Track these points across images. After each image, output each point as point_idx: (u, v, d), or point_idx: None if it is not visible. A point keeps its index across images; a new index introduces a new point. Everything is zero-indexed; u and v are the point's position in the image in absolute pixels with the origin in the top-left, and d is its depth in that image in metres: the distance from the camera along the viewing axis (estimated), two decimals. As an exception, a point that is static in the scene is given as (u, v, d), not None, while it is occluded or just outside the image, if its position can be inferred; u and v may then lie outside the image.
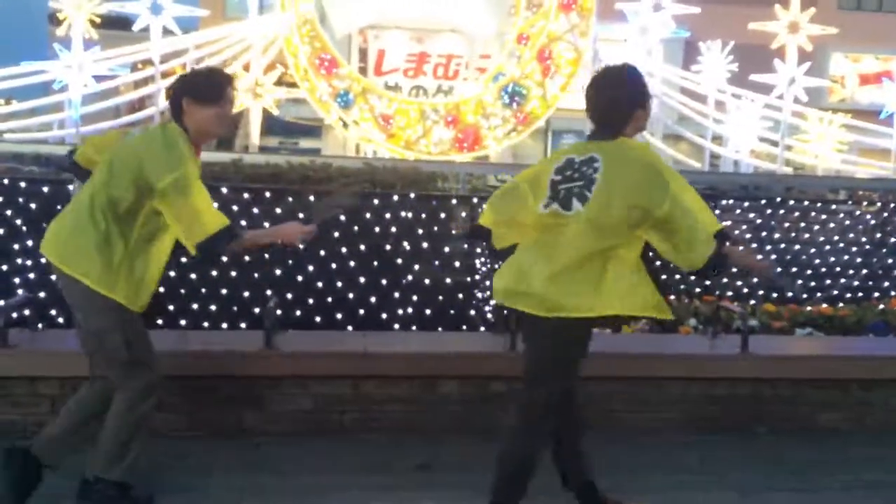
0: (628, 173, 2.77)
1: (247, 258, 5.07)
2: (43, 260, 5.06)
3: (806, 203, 7.36)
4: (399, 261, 5.48)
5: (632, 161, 2.80)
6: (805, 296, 6.81)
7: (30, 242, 5.17)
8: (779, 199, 7.36)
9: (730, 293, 6.47)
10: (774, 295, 6.68)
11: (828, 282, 7.08)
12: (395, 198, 5.49)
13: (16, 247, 5.20)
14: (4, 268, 5.20)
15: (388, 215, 5.45)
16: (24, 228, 5.21)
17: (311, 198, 5.33)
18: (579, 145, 2.96)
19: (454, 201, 5.71)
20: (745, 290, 6.68)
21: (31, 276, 5.15)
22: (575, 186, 2.80)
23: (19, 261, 5.19)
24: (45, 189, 5.32)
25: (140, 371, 2.98)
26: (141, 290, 2.97)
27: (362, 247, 5.40)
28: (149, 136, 3.02)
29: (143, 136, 3.05)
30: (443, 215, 5.60)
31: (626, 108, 2.88)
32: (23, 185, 5.33)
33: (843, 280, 7.11)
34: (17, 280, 5.16)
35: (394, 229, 5.48)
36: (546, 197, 2.86)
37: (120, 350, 2.94)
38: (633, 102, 2.90)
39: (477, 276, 5.65)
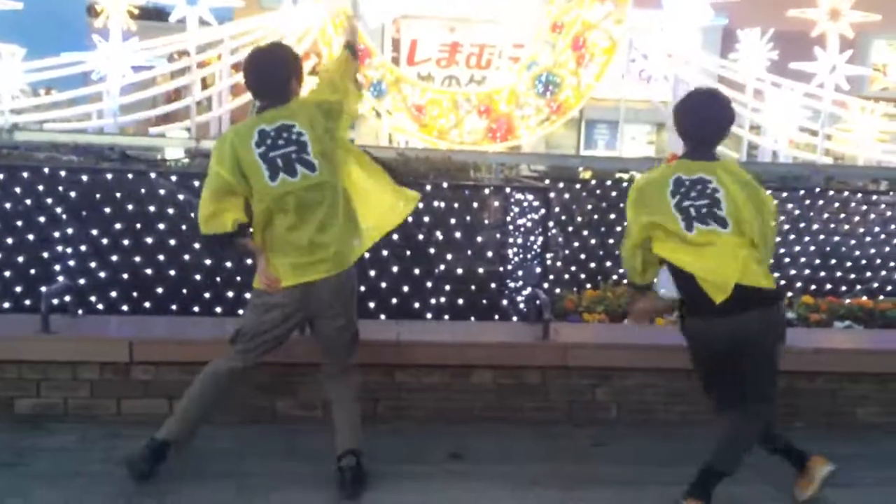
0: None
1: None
2: (83, 247, 5.24)
3: (846, 194, 7.22)
4: (432, 250, 5.48)
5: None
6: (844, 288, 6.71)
7: (69, 230, 5.27)
8: (818, 190, 7.23)
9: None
10: (812, 287, 6.58)
11: (868, 274, 6.95)
12: (428, 188, 5.49)
13: (56, 234, 5.30)
14: (45, 255, 5.29)
15: (420, 205, 5.43)
16: (64, 217, 5.29)
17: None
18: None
19: (487, 191, 5.69)
20: (783, 283, 6.59)
21: (71, 263, 5.24)
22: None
23: (59, 248, 5.28)
24: (84, 178, 5.41)
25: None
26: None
27: (395, 236, 5.41)
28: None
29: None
30: (475, 205, 5.59)
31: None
32: (62, 174, 5.41)
33: (883, 272, 6.97)
34: (57, 267, 5.25)
35: (427, 219, 5.48)
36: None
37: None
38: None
39: (509, 266, 5.63)
